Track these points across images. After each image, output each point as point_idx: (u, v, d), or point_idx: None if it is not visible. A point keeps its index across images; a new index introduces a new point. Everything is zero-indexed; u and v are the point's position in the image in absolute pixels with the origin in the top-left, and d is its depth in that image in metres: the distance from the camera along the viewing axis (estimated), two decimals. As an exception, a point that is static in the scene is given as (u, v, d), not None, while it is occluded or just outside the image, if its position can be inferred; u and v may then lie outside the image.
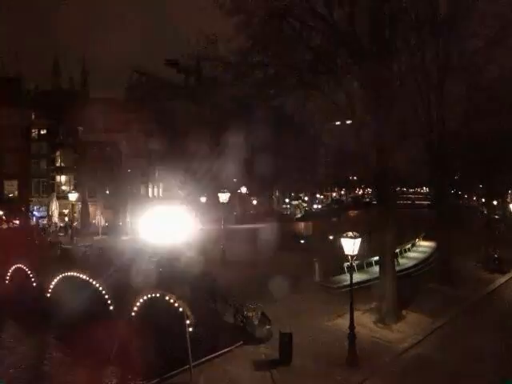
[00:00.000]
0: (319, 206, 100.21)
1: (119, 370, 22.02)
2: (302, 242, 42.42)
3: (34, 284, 31.17)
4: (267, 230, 55.11)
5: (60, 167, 57.53)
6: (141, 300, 23.60)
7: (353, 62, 20.49)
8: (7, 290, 32.38)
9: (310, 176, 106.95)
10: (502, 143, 34.99)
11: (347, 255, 15.72)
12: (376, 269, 24.54)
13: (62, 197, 51.83)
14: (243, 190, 66.61)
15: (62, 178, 57.58)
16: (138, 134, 61.16)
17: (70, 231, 44.00)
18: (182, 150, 66.39)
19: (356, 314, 17.36)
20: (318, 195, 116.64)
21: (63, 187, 56.52)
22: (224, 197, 31.27)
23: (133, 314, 23.76)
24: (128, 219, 51.66)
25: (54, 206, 52.40)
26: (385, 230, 20.83)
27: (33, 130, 58.37)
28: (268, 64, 20.91)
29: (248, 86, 21.25)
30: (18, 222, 53.62)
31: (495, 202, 60.48)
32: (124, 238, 46.04)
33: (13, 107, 55.33)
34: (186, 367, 15.00)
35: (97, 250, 31.53)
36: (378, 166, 20.75)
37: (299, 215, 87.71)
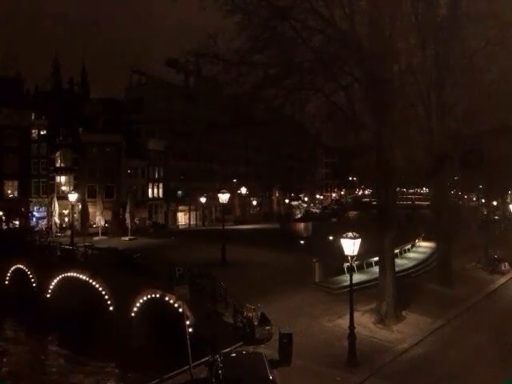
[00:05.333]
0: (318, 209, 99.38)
1: (120, 369, 22.07)
2: (302, 242, 42.36)
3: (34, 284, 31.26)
4: (267, 230, 55.30)
5: (60, 168, 57.40)
6: (141, 300, 23.66)
7: (353, 62, 20.45)
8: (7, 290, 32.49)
9: (310, 176, 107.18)
10: (502, 144, 34.89)
11: (347, 256, 15.70)
12: (376, 269, 24.50)
13: (62, 197, 51.68)
14: (243, 190, 66.44)
15: (62, 179, 57.47)
16: (137, 133, 61.14)
17: (70, 232, 43.86)
18: (182, 150, 66.50)
19: (356, 314, 17.33)
20: (317, 196, 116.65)
21: (63, 188, 56.39)
22: (224, 197, 31.21)
23: (133, 314, 23.82)
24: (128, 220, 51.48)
25: (54, 207, 52.23)
26: (385, 231, 20.79)
27: (33, 131, 58.30)
28: (268, 64, 20.85)
29: (248, 85, 21.14)
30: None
31: (495, 203, 60.41)
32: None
33: (13, 107, 55.27)
34: (186, 367, 14.98)
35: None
36: (378, 166, 20.72)
37: (299, 215, 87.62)
